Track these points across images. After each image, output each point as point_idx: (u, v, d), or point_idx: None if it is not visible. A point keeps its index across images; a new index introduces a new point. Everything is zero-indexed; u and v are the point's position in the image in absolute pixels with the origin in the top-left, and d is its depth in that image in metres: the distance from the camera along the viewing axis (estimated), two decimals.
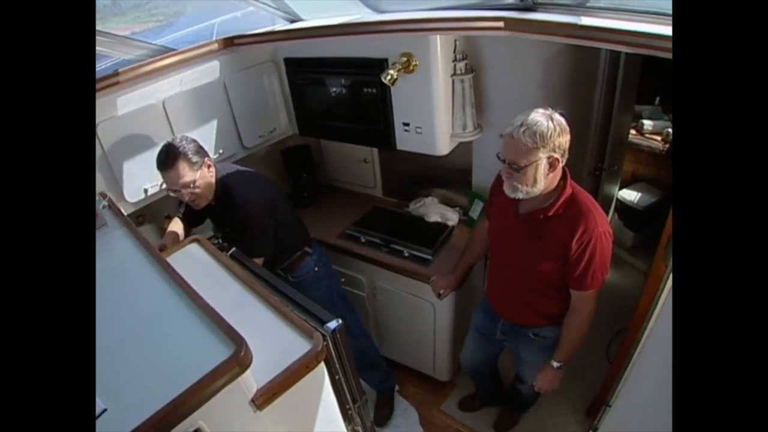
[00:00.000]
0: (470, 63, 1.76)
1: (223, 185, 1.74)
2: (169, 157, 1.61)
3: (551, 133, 1.27)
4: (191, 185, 1.65)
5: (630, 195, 3.12)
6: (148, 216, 2.08)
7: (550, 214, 1.40)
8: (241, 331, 0.89)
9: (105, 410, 0.79)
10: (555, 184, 1.39)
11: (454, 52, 1.72)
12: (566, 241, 1.38)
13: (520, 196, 1.38)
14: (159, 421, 0.75)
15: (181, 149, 1.61)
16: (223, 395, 0.83)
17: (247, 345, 0.85)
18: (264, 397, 0.93)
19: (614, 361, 2.06)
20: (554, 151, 1.30)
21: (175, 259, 1.42)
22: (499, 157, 1.39)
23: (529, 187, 1.35)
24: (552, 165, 1.32)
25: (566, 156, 1.34)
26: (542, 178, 1.33)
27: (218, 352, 0.85)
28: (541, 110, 1.32)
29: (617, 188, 3.18)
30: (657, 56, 1.14)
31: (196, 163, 1.64)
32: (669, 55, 1.06)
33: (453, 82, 1.77)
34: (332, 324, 1.16)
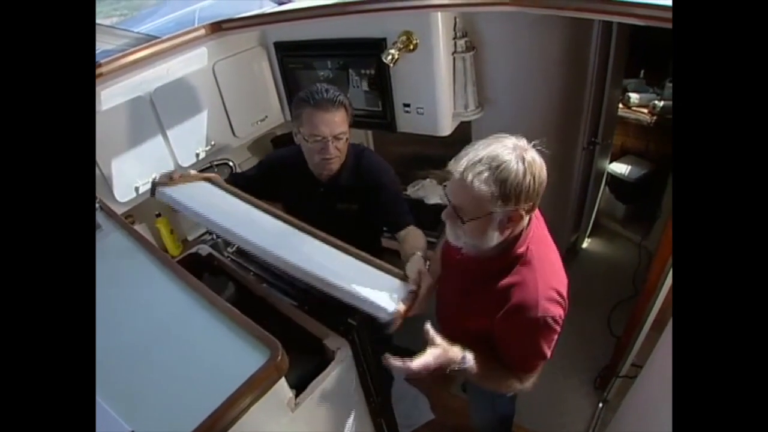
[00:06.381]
0: (470, 40, 1.70)
1: (357, 152, 1.57)
2: (336, 99, 1.40)
3: (519, 182, 0.90)
4: (344, 138, 1.45)
5: (620, 168, 3.15)
6: (138, 216, 1.97)
7: (483, 269, 1.06)
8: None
9: None
10: (515, 233, 1.02)
11: (455, 29, 1.66)
12: (491, 312, 1.03)
13: (461, 245, 1.05)
14: None
15: (343, 96, 1.43)
16: (261, 403, 0.79)
17: (282, 348, 0.81)
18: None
19: (622, 333, 2.07)
20: (519, 204, 0.93)
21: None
22: (445, 192, 1.04)
23: (475, 240, 1.00)
24: (513, 220, 0.96)
25: (536, 206, 1.00)
26: (495, 233, 0.98)
27: (251, 358, 0.81)
28: (511, 141, 0.93)
29: (608, 162, 3.20)
30: (657, 28, 1.10)
31: (350, 118, 1.46)
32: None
33: (454, 60, 1.71)
34: None
